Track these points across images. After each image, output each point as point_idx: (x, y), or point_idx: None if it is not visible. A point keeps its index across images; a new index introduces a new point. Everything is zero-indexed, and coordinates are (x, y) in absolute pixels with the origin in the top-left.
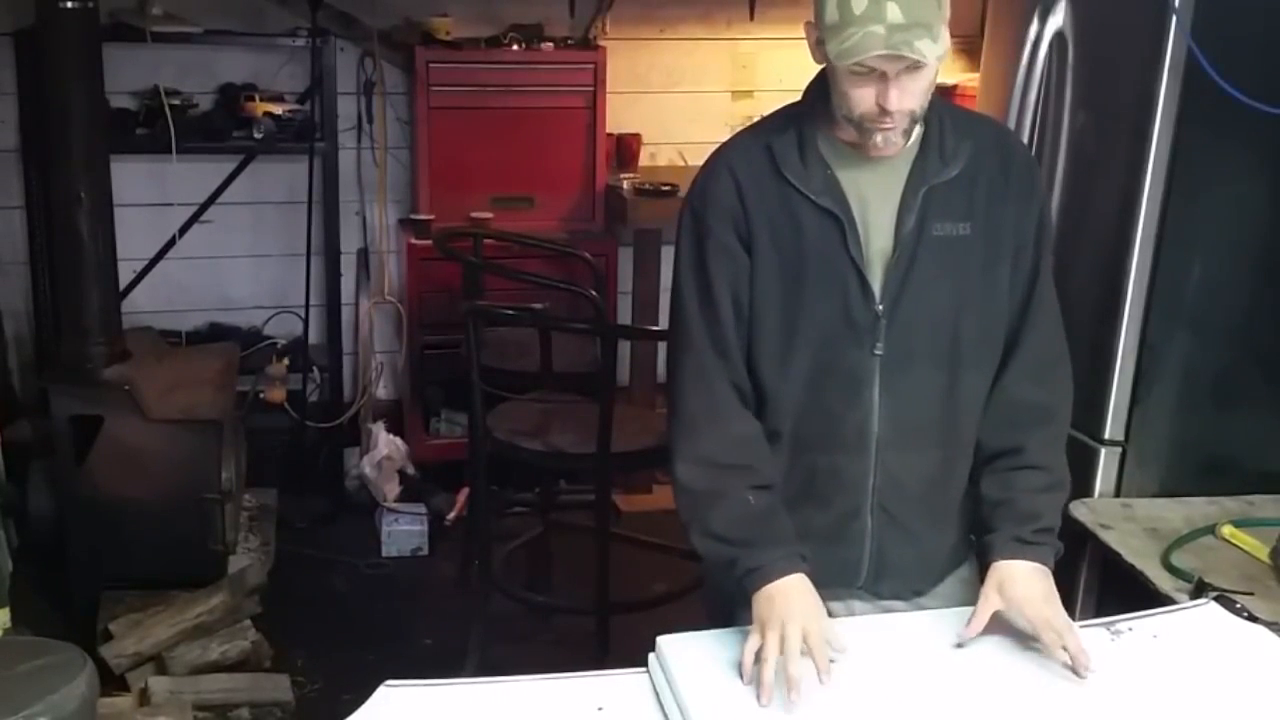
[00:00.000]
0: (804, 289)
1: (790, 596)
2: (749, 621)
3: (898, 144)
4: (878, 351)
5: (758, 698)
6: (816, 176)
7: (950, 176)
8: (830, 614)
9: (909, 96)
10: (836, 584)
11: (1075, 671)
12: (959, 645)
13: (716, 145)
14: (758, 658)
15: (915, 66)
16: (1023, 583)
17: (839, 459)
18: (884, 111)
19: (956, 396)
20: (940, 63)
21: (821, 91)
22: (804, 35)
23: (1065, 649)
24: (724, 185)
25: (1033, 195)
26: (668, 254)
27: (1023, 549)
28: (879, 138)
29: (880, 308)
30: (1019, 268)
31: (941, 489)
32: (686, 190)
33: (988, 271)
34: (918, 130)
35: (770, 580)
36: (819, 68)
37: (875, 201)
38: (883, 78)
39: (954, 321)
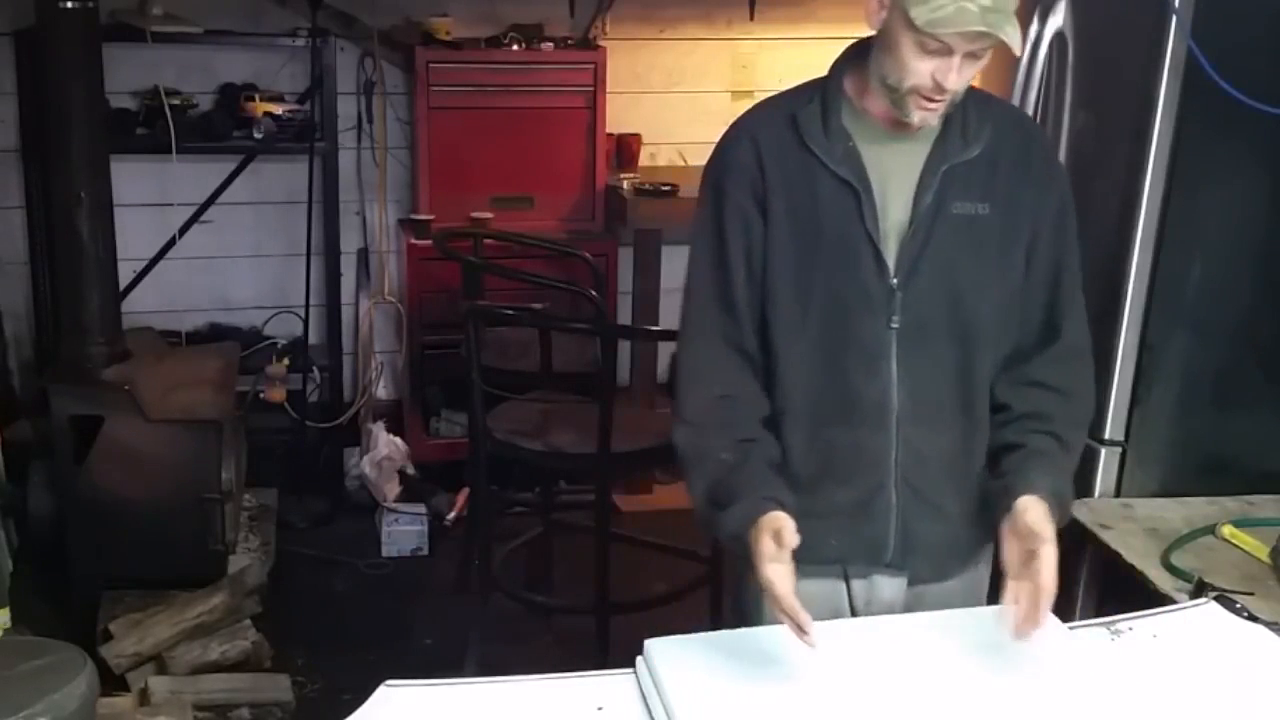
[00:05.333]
0: (818, 257)
1: (753, 546)
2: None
3: (933, 124)
4: (894, 325)
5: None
6: (838, 147)
7: (971, 156)
8: (851, 592)
9: (964, 80)
10: (863, 560)
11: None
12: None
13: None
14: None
15: (979, 54)
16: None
17: (859, 433)
18: (939, 89)
19: (971, 374)
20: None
21: (854, 65)
22: (801, 34)
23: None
24: (743, 149)
25: (1053, 180)
26: (668, 254)
27: (1055, 508)
28: (918, 115)
29: (895, 281)
30: (1037, 253)
31: (963, 464)
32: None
33: (1004, 253)
34: None
35: (744, 535)
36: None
37: (895, 177)
38: (948, 56)
39: (969, 299)
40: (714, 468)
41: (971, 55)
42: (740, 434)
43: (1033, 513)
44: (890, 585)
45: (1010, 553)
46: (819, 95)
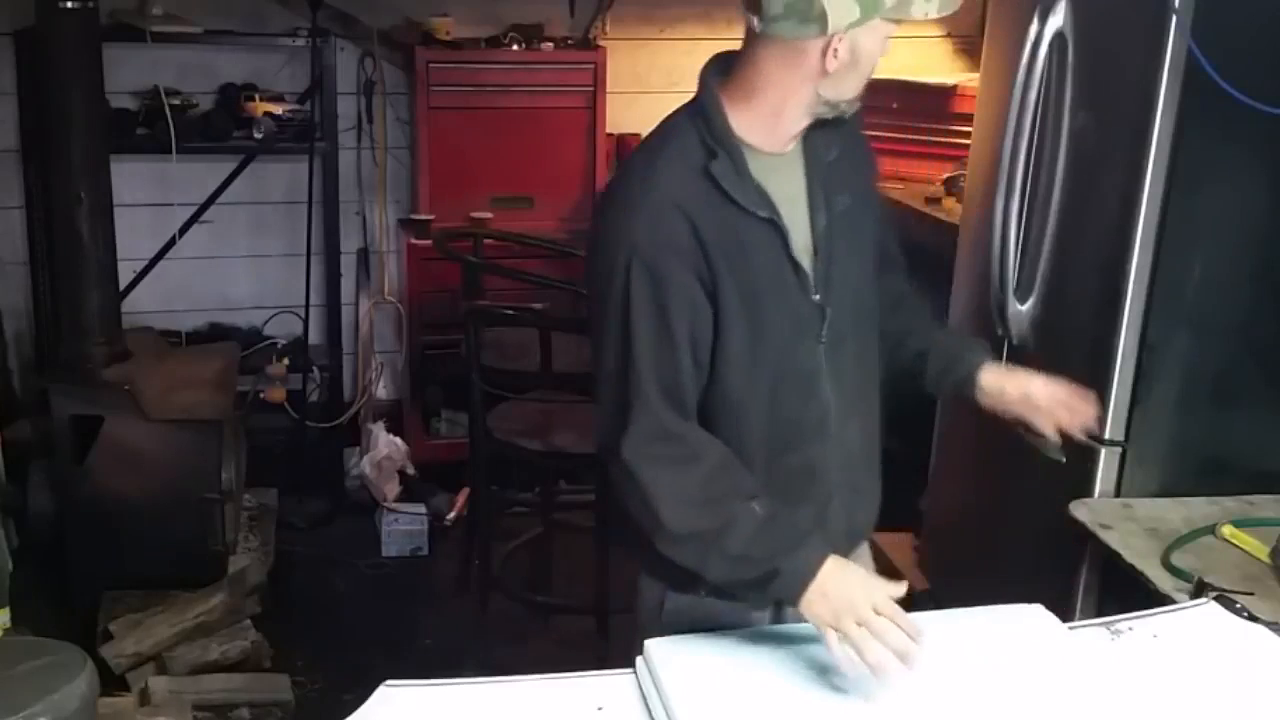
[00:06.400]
0: (761, 303)
1: (839, 582)
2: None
3: (857, 105)
4: (823, 340)
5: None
6: (750, 190)
7: (833, 158)
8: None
9: None
10: None
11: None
12: None
13: None
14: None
15: None
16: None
17: (808, 452)
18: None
19: (869, 358)
20: None
21: (740, 97)
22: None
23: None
24: (677, 227)
25: (870, 154)
26: None
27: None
28: (853, 107)
29: (817, 297)
30: (884, 226)
31: (874, 445)
32: (613, 232)
33: (870, 235)
34: None
35: (812, 578)
36: None
37: (786, 196)
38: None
39: (866, 291)
40: (750, 520)
41: None
42: (747, 489)
43: (1007, 377)
44: None
45: (1016, 409)
46: (719, 145)
